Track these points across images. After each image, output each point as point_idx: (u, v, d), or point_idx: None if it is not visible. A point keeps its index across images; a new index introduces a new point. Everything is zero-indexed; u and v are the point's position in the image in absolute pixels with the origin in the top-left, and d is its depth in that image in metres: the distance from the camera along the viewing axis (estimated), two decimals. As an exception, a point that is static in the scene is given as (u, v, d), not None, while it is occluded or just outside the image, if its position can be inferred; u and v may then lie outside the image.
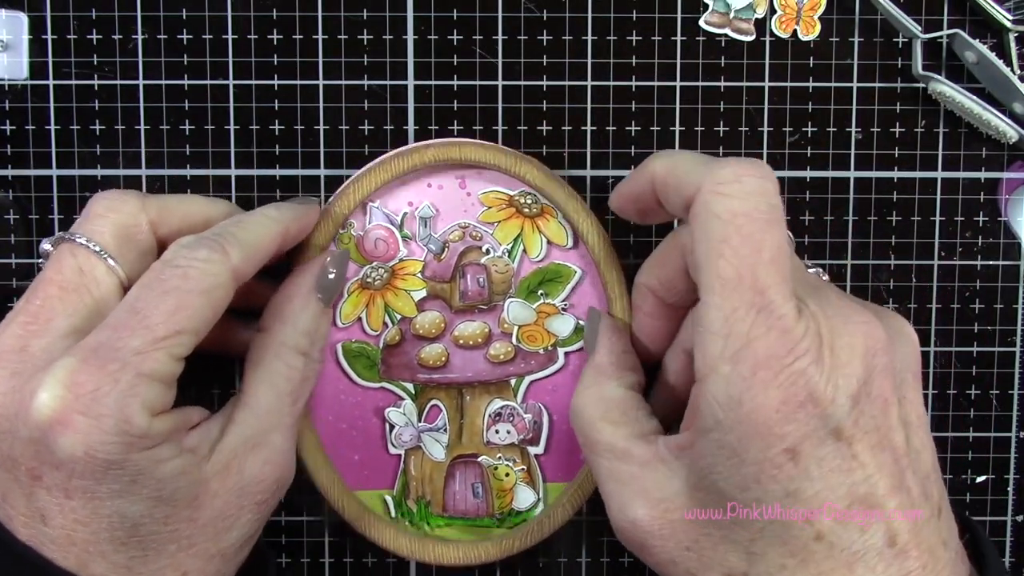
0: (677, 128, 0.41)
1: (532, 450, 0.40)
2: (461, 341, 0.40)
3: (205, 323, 0.31)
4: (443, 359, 0.40)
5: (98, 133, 0.40)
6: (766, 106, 0.41)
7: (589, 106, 0.41)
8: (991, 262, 0.41)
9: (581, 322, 0.40)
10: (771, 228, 0.29)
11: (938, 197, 0.41)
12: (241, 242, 0.32)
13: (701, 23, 0.40)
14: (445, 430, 0.40)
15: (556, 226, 0.40)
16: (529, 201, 0.39)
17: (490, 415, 0.40)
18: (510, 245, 0.40)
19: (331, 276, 0.36)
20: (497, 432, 0.40)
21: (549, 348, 0.40)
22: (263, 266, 0.35)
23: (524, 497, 0.40)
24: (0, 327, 0.31)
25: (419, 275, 0.40)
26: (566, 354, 0.40)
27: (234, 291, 0.32)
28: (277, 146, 0.40)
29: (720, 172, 0.29)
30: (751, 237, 0.28)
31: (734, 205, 0.29)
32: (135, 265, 0.33)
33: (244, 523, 0.32)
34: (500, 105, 0.41)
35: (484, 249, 0.40)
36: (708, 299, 0.29)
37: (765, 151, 0.41)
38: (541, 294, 0.40)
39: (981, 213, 0.41)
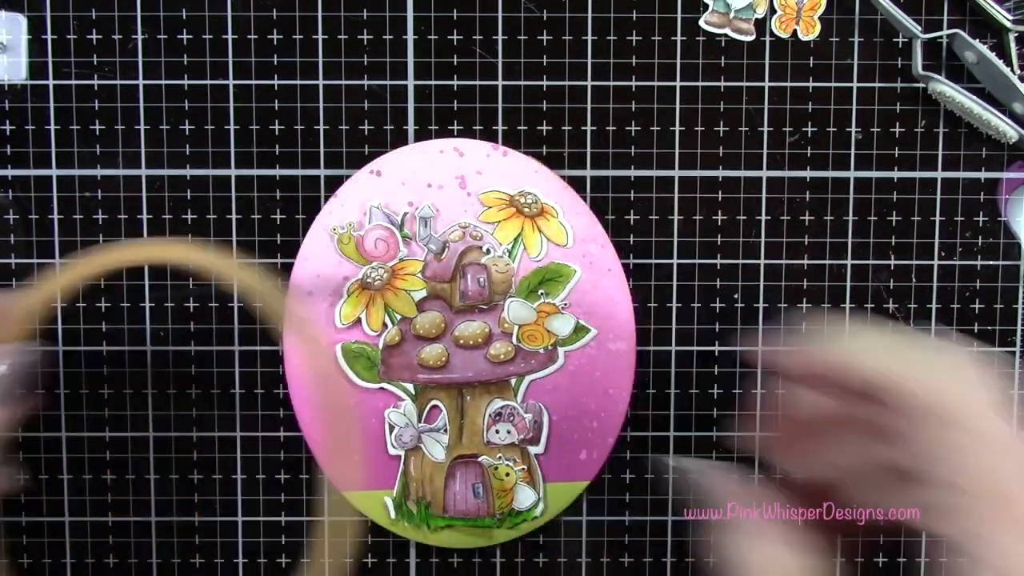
0: (677, 128, 0.41)
1: (532, 450, 0.40)
2: (461, 341, 0.40)
3: None
4: (443, 359, 0.40)
5: (98, 133, 0.40)
6: (766, 106, 0.41)
7: (589, 106, 0.41)
8: (991, 262, 0.41)
9: (581, 321, 0.40)
10: (1006, 423, 0.27)
11: (938, 197, 0.41)
12: None
13: (701, 23, 0.40)
14: (445, 430, 0.40)
15: (556, 226, 0.40)
16: (530, 201, 0.39)
17: (490, 415, 0.40)
18: (510, 245, 0.40)
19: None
20: (497, 432, 0.40)
21: (549, 348, 0.40)
22: None
23: (524, 497, 0.40)
24: None
25: (419, 275, 0.40)
26: (566, 354, 0.40)
27: None
28: (277, 146, 0.40)
29: (947, 373, 0.27)
30: (995, 444, 0.26)
31: (969, 410, 0.27)
32: None
33: None
34: (500, 105, 0.40)
35: (484, 249, 0.40)
36: (972, 526, 0.26)
37: (765, 151, 0.41)
38: (541, 293, 0.40)
39: (981, 213, 0.41)
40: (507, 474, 0.40)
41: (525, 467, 0.40)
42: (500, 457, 0.40)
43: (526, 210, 0.40)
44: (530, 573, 0.42)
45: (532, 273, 0.40)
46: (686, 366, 0.41)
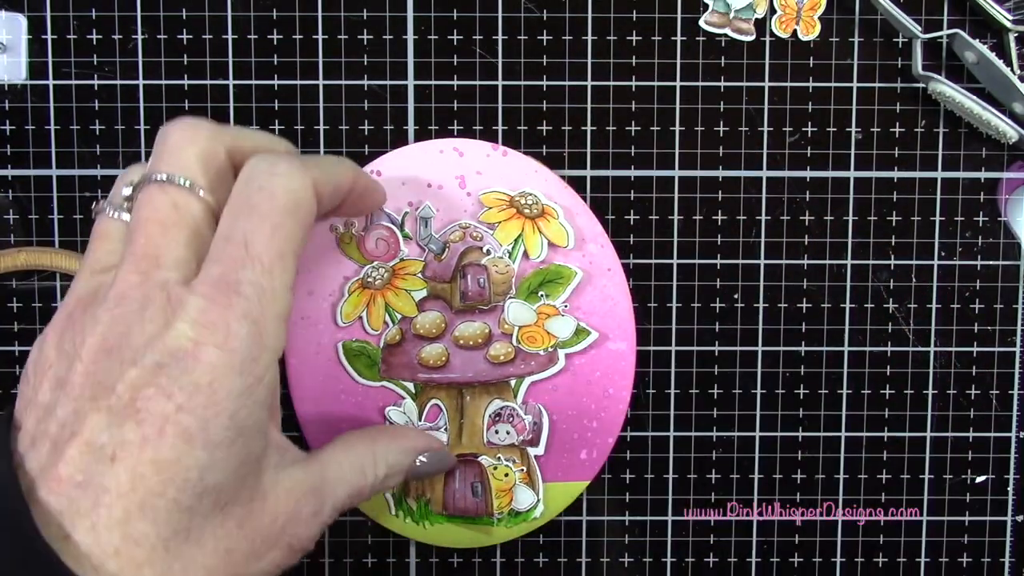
0: (677, 128, 0.41)
1: (532, 451, 0.40)
2: (461, 341, 0.40)
3: (300, 243, 0.31)
4: (443, 359, 0.40)
5: (98, 133, 0.40)
6: (766, 106, 0.41)
7: (589, 106, 0.41)
8: (991, 262, 0.41)
9: (582, 324, 0.40)
10: None
11: (938, 197, 0.41)
12: (316, 165, 0.32)
13: (701, 23, 0.40)
14: (445, 429, 0.40)
15: (557, 227, 0.40)
16: (530, 202, 0.39)
17: (490, 415, 0.40)
18: (511, 246, 0.40)
19: (420, 464, 0.37)
20: (497, 432, 0.40)
21: (549, 349, 0.40)
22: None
23: (523, 498, 0.40)
24: (114, 276, 0.30)
25: (419, 275, 0.40)
26: (566, 356, 0.40)
27: (316, 211, 0.31)
28: (277, 146, 0.40)
29: None
30: None
31: None
32: (220, 190, 0.32)
33: (269, 563, 0.31)
34: (500, 105, 0.40)
35: (485, 250, 0.40)
36: None
37: (765, 151, 0.41)
38: (542, 295, 0.40)
39: (981, 213, 0.41)
40: (506, 474, 0.40)
41: (524, 468, 0.40)
42: (500, 457, 0.40)
43: (526, 211, 0.40)
44: (530, 573, 0.42)
45: (532, 274, 0.40)
46: (686, 366, 0.41)
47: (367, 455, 0.35)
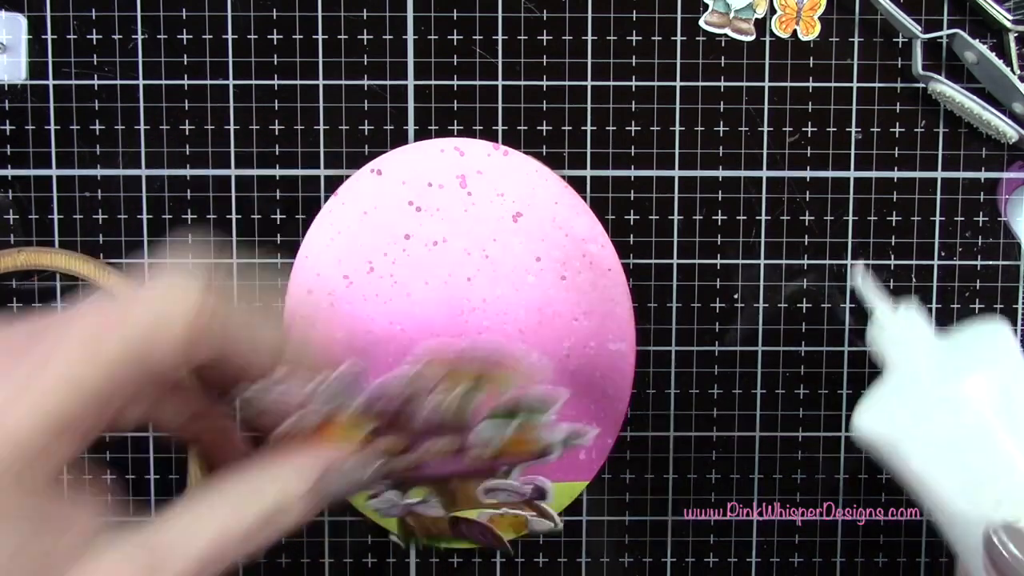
0: (677, 128, 0.41)
1: (540, 502, 0.39)
2: (429, 455, 0.30)
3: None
4: (415, 465, 0.30)
5: (98, 133, 0.40)
6: (766, 106, 0.41)
7: (589, 106, 0.41)
8: (991, 262, 0.41)
9: (577, 427, 0.32)
10: None
11: (938, 197, 0.41)
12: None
13: (701, 23, 0.40)
14: (437, 503, 0.37)
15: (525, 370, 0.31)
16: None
17: (484, 490, 0.37)
18: (470, 383, 0.29)
19: (330, 481, 0.28)
20: (495, 496, 0.38)
21: (540, 449, 0.32)
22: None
23: (540, 527, 0.39)
24: None
25: (356, 412, 0.28)
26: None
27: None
28: (277, 146, 0.40)
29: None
30: None
31: None
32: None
33: None
34: (500, 105, 0.41)
35: (435, 392, 0.29)
36: None
37: (765, 151, 0.41)
38: (520, 416, 0.31)
39: (981, 213, 0.41)
40: (516, 516, 0.39)
41: (535, 512, 0.39)
42: (504, 510, 0.39)
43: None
44: (530, 573, 0.42)
45: (506, 400, 0.30)
46: (686, 366, 0.41)
47: (224, 506, 0.27)
